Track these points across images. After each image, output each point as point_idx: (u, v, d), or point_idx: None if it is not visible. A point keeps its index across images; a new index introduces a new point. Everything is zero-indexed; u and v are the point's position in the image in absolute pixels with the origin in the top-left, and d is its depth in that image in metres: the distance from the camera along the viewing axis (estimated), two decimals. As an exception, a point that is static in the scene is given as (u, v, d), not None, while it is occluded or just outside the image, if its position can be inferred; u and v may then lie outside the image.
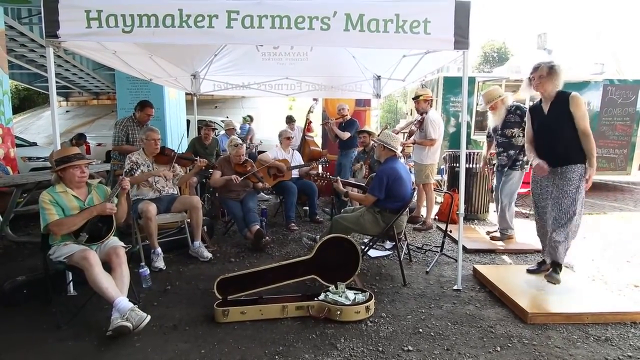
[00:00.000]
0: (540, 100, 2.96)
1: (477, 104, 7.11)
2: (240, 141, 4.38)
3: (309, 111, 6.19)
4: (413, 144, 4.67)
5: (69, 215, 2.48)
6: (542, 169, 2.90)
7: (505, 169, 4.01)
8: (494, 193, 4.33)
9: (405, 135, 4.72)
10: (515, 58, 27.97)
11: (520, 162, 3.95)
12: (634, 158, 7.60)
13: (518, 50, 30.81)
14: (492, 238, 4.21)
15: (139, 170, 3.08)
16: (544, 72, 2.80)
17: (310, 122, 6.22)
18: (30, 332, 2.35)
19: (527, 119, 3.13)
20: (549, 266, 2.96)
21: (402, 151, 4.74)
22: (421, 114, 4.60)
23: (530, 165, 3.23)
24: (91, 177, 2.73)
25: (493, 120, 4.05)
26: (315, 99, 6.47)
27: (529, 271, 3.14)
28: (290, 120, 6.91)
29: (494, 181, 4.38)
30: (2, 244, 4.07)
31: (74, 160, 2.52)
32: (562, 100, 2.81)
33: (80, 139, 7.20)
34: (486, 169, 4.56)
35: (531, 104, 3.17)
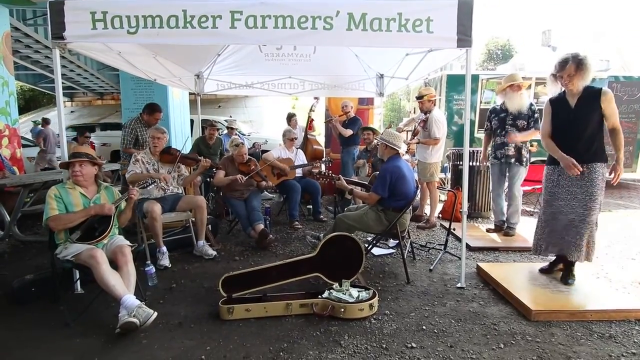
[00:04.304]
0: (564, 92, 2.83)
1: (480, 102, 7.09)
2: (242, 141, 4.41)
3: (311, 110, 6.20)
4: (417, 143, 4.67)
5: (70, 212, 2.53)
6: (576, 167, 2.68)
7: (512, 161, 4.01)
8: (494, 187, 4.28)
9: (410, 134, 4.71)
10: (519, 55, 27.75)
11: (526, 159, 4.02)
12: (639, 155, 7.56)
13: (522, 48, 30.59)
14: (490, 231, 4.28)
15: (153, 185, 3.11)
16: (572, 71, 2.66)
17: (312, 120, 6.22)
18: (39, 330, 2.38)
19: (545, 112, 2.95)
20: (563, 267, 2.93)
21: (407, 150, 4.75)
22: (425, 113, 4.61)
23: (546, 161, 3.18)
24: (96, 177, 2.76)
25: (518, 104, 3.93)
26: (316, 98, 6.46)
27: (542, 271, 3.08)
28: (290, 117, 6.70)
29: (491, 176, 4.32)
30: (9, 243, 4.13)
31: (71, 159, 2.61)
32: (591, 95, 2.70)
33: (83, 135, 7.25)
34: (485, 163, 4.44)
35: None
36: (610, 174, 2.75)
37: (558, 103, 2.86)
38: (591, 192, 2.73)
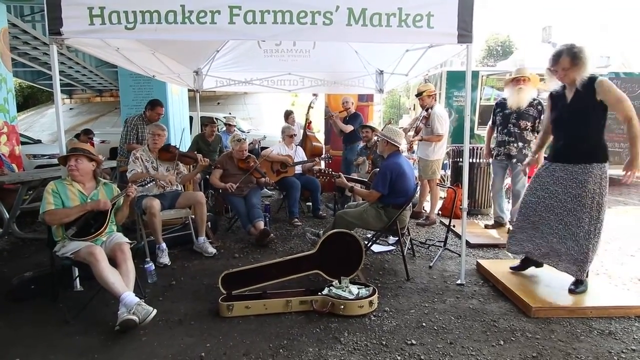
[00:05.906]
0: (564, 86, 2.63)
1: (480, 99, 7.06)
2: (244, 137, 4.39)
3: (309, 107, 6.16)
4: (420, 140, 4.63)
5: (67, 207, 2.52)
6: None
7: (514, 161, 3.96)
8: (494, 183, 4.23)
9: (412, 131, 4.67)
10: (520, 51, 27.71)
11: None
12: (639, 152, 7.52)
13: (522, 44, 30.52)
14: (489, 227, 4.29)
15: (152, 183, 3.10)
16: (567, 64, 2.47)
17: (311, 122, 6.19)
18: (38, 327, 2.38)
19: (546, 105, 2.84)
20: (573, 285, 2.68)
21: (409, 149, 4.72)
22: (427, 110, 4.58)
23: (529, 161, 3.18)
24: (94, 173, 2.74)
25: (515, 100, 3.76)
26: (314, 94, 6.42)
27: (512, 269, 2.98)
28: (288, 114, 6.66)
29: (493, 172, 4.28)
30: (8, 241, 4.12)
31: (68, 153, 2.60)
32: (586, 87, 2.46)
33: (86, 134, 7.24)
34: (488, 160, 4.33)
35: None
36: (623, 170, 2.46)
37: (556, 97, 2.71)
38: (578, 194, 2.50)
